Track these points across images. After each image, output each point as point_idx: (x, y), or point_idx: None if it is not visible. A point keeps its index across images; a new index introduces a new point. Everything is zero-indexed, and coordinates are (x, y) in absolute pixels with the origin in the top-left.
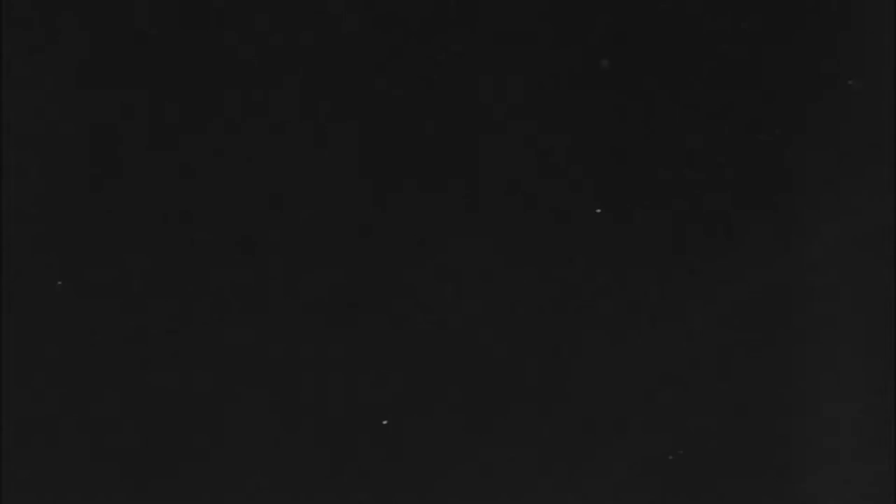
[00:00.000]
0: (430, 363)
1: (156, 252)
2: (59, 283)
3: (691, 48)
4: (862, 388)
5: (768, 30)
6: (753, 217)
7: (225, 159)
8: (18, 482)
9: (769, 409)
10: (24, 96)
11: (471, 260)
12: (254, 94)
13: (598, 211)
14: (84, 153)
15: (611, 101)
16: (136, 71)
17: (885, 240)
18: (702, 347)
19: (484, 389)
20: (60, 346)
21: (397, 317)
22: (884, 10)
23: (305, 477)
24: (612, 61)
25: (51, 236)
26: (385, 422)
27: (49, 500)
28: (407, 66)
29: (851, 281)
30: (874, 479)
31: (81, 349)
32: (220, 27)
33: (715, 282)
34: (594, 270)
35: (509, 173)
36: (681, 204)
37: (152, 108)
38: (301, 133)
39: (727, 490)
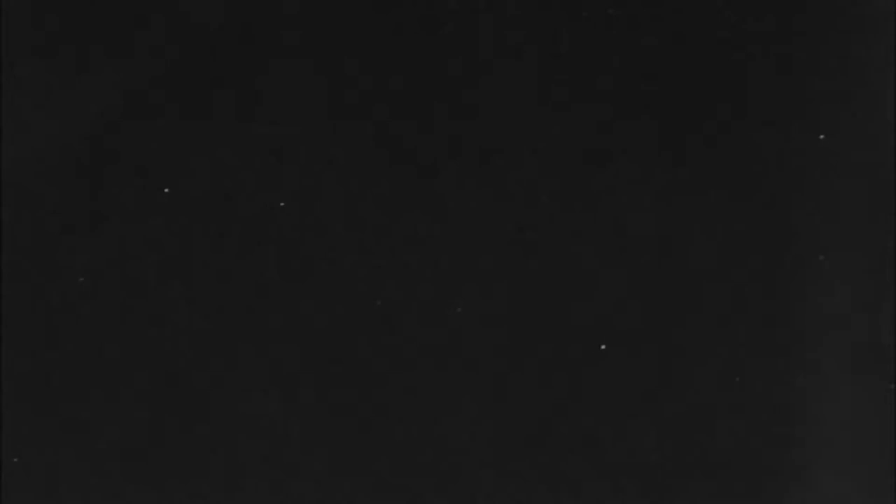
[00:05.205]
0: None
1: (156, 250)
2: (58, 282)
3: (692, 47)
4: (862, 387)
5: (769, 29)
6: (753, 216)
7: (225, 158)
8: (18, 482)
9: (768, 409)
10: (23, 97)
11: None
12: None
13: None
14: (83, 152)
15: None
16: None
17: (885, 239)
18: (701, 347)
19: (484, 389)
20: (60, 346)
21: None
22: (884, 10)
23: (306, 476)
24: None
25: (49, 234)
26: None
27: (49, 500)
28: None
29: (851, 281)
30: (874, 479)
31: (81, 350)
32: (222, 22)
33: (714, 282)
34: (592, 271)
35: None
36: (681, 203)
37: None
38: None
39: (727, 490)
